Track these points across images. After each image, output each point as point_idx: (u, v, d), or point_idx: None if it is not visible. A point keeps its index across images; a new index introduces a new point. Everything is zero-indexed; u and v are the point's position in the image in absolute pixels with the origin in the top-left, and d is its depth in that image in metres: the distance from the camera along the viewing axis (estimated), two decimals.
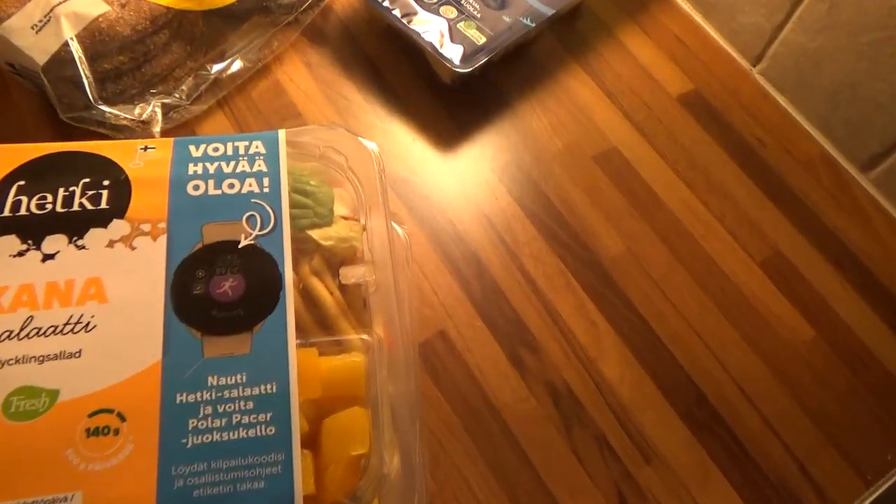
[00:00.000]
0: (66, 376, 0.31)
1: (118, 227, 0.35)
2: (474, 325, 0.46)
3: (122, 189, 0.37)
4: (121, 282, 0.34)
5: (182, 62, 0.51)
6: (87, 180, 0.37)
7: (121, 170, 0.37)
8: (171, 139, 0.39)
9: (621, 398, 0.45)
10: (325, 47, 0.57)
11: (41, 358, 0.32)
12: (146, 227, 0.35)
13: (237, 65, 0.53)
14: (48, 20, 0.45)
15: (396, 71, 0.56)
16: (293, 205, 0.37)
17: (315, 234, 0.38)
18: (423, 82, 0.56)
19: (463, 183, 0.52)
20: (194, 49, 0.51)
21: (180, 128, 0.50)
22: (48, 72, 0.45)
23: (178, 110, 0.50)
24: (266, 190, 0.37)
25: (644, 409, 0.45)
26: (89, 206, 0.36)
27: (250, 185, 0.37)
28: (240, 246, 0.35)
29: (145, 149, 0.39)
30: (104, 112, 0.46)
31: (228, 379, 0.32)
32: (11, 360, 0.32)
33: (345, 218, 0.40)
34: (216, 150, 0.39)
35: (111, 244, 0.35)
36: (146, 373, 0.32)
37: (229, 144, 0.39)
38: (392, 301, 0.36)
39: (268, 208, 0.37)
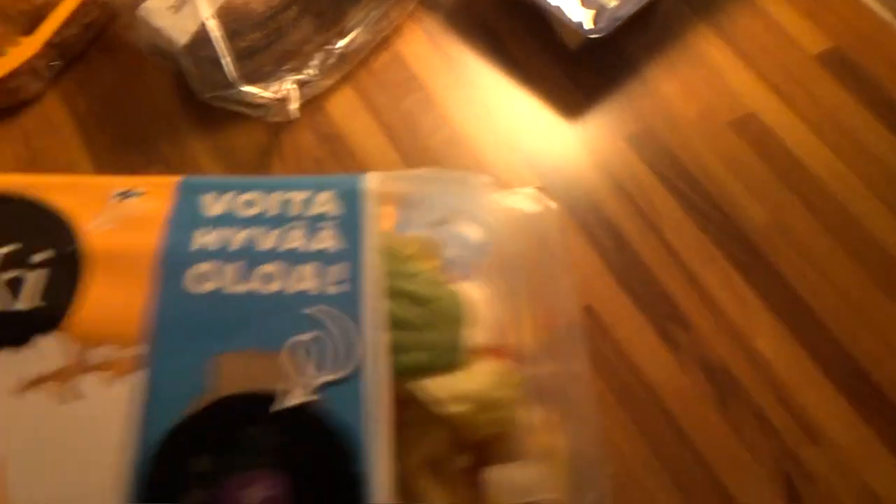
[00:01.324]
0: None
1: (48, 349, 0.20)
2: (618, 300, 0.44)
3: (63, 272, 0.21)
4: (40, 475, 0.18)
5: (310, 38, 0.51)
6: (9, 248, 0.21)
7: (67, 233, 0.22)
8: (173, 180, 0.24)
9: (778, 375, 0.43)
10: (442, 16, 0.55)
11: None
12: (103, 355, 0.19)
13: (360, 38, 0.52)
14: (184, 1, 0.45)
15: (517, 38, 0.54)
16: (391, 323, 0.21)
17: (431, 386, 0.21)
18: (544, 50, 0.54)
19: (594, 152, 0.50)
20: (321, 24, 0.51)
21: (309, 103, 0.49)
22: (188, 52, 0.45)
23: (307, 86, 0.49)
24: (334, 288, 0.21)
25: (803, 386, 0.42)
26: None
27: (304, 279, 0.21)
28: (280, 408, 0.19)
29: (125, 195, 0.23)
30: (244, 91, 0.46)
31: None
32: None
33: (488, 352, 0.23)
34: (250, 204, 0.23)
35: (33, 384, 0.19)
36: None
37: (276, 195, 0.23)
38: None
39: (336, 328, 0.20)
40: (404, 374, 0.21)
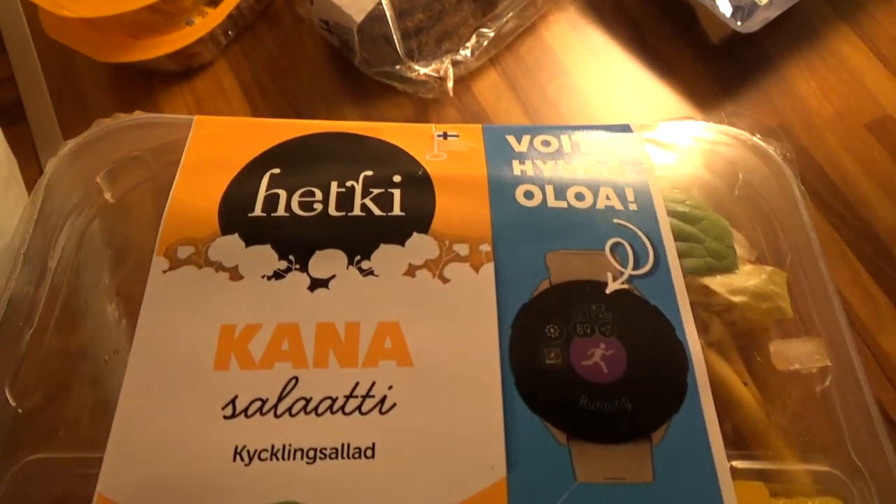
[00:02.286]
0: (352, 493, 0.21)
1: (420, 245, 0.25)
2: None
3: (420, 190, 0.27)
4: (430, 333, 0.23)
5: (467, 20, 0.53)
6: (368, 173, 0.27)
7: (415, 162, 0.27)
8: (479, 126, 0.30)
9: None
10: (586, 5, 0.56)
11: (312, 453, 0.21)
12: (462, 250, 0.25)
13: (510, 24, 0.55)
14: None
15: (658, 30, 0.55)
16: (674, 235, 0.26)
17: (714, 283, 0.26)
18: (686, 42, 0.54)
19: None
20: (477, 8, 0.54)
21: (458, 82, 0.51)
22: (361, 29, 0.46)
23: (458, 66, 0.52)
24: (633, 207, 0.26)
25: None
26: (376, 212, 0.26)
27: (608, 199, 0.27)
28: (608, 291, 0.24)
29: (444, 136, 0.29)
30: (410, 67, 0.47)
31: None
32: (264, 450, 0.22)
33: (750, 262, 0.28)
34: (547, 143, 0.29)
35: (411, 271, 0.25)
36: (481, 500, 0.21)
37: (565, 137, 0.29)
38: (869, 409, 0.24)
39: (640, 235, 0.26)
40: (689, 273, 0.26)
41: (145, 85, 0.50)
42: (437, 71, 0.50)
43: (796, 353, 0.25)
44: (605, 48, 0.55)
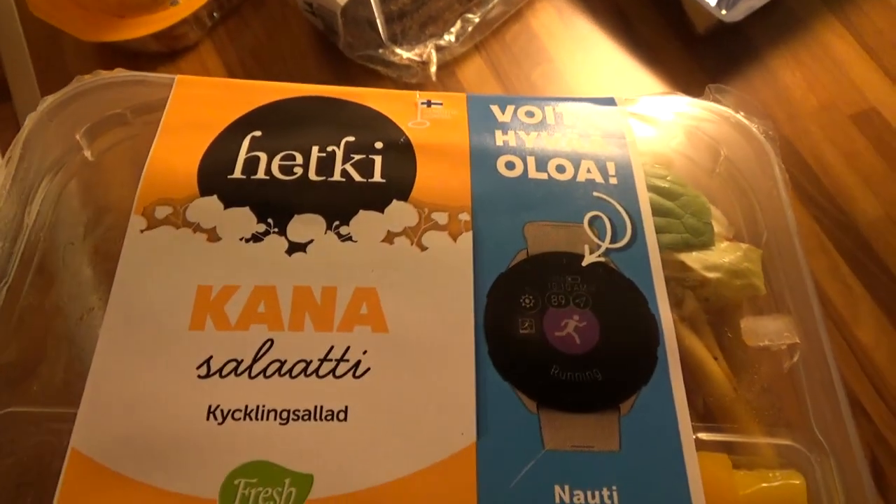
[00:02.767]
0: (324, 454, 0.21)
1: (400, 212, 0.25)
2: None
3: (401, 157, 0.27)
4: (406, 300, 0.24)
5: (451, 5, 0.52)
6: (350, 139, 0.27)
7: (397, 129, 0.27)
8: (463, 94, 0.30)
9: (876, 364, 0.44)
10: None
11: (285, 414, 0.22)
12: (441, 218, 0.25)
13: (496, 10, 0.54)
14: None
15: (645, 18, 0.55)
16: (652, 210, 0.27)
17: (690, 259, 0.26)
18: (672, 32, 0.54)
19: None
20: None
21: (442, 68, 0.50)
22: (345, 12, 0.45)
23: (442, 52, 0.50)
24: (613, 181, 0.27)
25: None
26: (357, 178, 0.26)
27: (588, 172, 0.27)
28: (584, 263, 0.25)
29: (428, 104, 0.29)
30: (393, 52, 0.47)
31: (589, 497, 0.21)
32: (237, 410, 0.22)
33: (727, 238, 0.29)
34: (530, 114, 0.29)
35: (389, 238, 0.25)
36: (451, 464, 0.21)
37: (549, 109, 0.29)
38: (835, 386, 0.25)
39: (619, 209, 0.26)
40: (666, 248, 0.27)
41: (130, 66, 0.49)
42: (421, 55, 0.50)
43: (766, 330, 0.26)
44: (592, 36, 0.55)
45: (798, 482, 0.23)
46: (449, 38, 0.51)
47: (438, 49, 0.50)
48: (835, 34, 0.56)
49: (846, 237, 0.48)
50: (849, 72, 0.55)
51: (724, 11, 0.50)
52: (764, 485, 0.22)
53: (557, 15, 0.55)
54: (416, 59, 0.48)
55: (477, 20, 0.51)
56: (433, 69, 0.49)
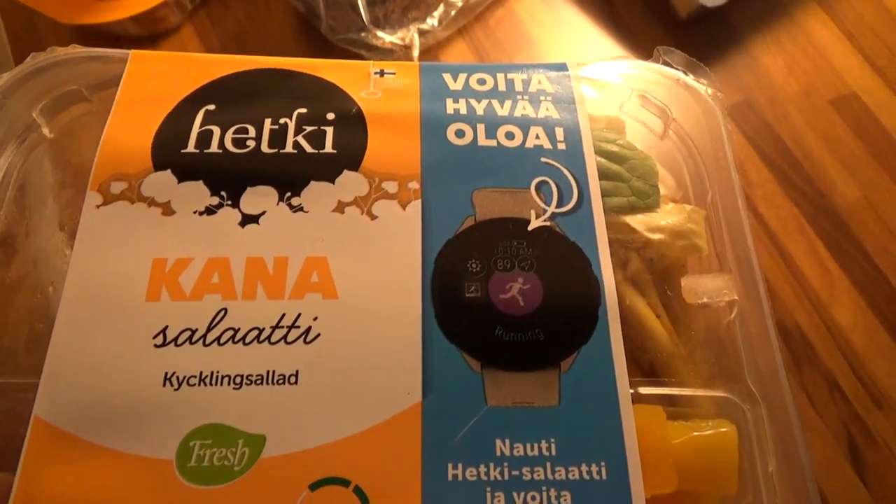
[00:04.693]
0: (275, 415, 0.22)
1: (350, 182, 0.26)
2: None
3: (353, 127, 0.27)
4: (355, 268, 0.24)
5: None
6: (302, 110, 0.28)
7: (349, 99, 0.28)
8: (417, 63, 0.30)
9: (853, 345, 0.45)
10: None
11: (238, 379, 0.23)
12: (391, 187, 0.26)
13: None
14: None
15: (628, 3, 0.56)
16: (600, 174, 0.27)
17: (635, 221, 0.27)
18: (655, 17, 0.55)
19: None
20: None
21: (425, 52, 0.51)
22: None
23: (426, 36, 0.50)
24: (561, 146, 0.27)
25: (876, 358, 0.45)
26: (308, 149, 0.27)
27: (537, 138, 0.27)
28: (530, 228, 0.25)
29: (381, 73, 0.29)
30: (375, 35, 0.47)
31: (528, 449, 0.22)
32: (192, 376, 0.23)
33: (674, 200, 0.30)
34: (482, 82, 0.29)
35: (340, 208, 0.25)
36: (397, 422, 0.22)
37: (500, 76, 0.29)
38: (770, 340, 0.26)
39: (566, 174, 0.26)
40: (612, 212, 0.28)
41: None
42: (403, 39, 0.50)
43: (706, 288, 0.27)
44: (575, 20, 0.55)
45: (728, 430, 0.24)
46: (432, 22, 0.51)
47: (421, 33, 0.50)
48: (816, 20, 0.57)
49: (825, 220, 0.49)
50: (829, 57, 0.55)
51: None
52: (695, 434, 0.23)
53: (541, 0, 0.55)
54: (399, 42, 0.49)
55: (460, 4, 0.51)
56: (416, 53, 0.49)
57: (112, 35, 0.49)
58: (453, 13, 0.51)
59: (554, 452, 0.22)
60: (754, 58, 0.55)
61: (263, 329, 0.23)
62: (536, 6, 0.56)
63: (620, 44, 0.55)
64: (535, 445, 0.22)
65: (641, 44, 0.55)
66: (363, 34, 0.48)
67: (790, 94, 0.54)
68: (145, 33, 0.50)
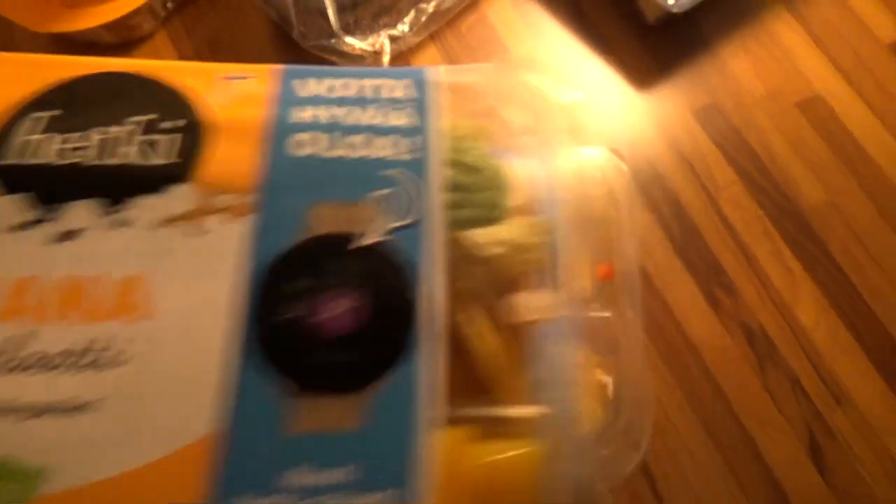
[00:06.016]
0: (66, 446, 0.20)
1: (180, 195, 0.24)
2: (672, 264, 0.46)
3: (188, 137, 0.25)
4: (176, 287, 0.23)
5: None
6: (138, 118, 0.26)
7: (188, 107, 0.26)
8: (273, 66, 0.28)
9: (816, 344, 0.45)
10: None
11: (39, 409, 0.21)
12: (224, 201, 0.24)
13: (449, 0, 0.53)
14: None
15: (598, 9, 0.55)
16: (448, 186, 0.26)
17: (478, 235, 0.26)
18: (624, 21, 0.55)
19: (662, 124, 0.51)
20: None
21: (397, 58, 0.50)
22: (297, 2, 0.46)
23: (397, 42, 0.50)
24: (406, 156, 0.26)
25: (838, 357, 0.44)
26: (137, 160, 0.25)
27: (383, 148, 0.26)
28: (361, 244, 0.24)
29: (231, 79, 0.27)
30: (344, 41, 0.46)
31: (325, 478, 0.21)
32: None
33: (522, 212, 0.28)
34: (336, 89, 0.27)
35: (167, 222, 0.24)
36: (183, 455, 0.21)
37: (359, 83, 0.28)
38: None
39: (408, 186, 0.25)
40: (458, 225, 0.26)
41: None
42: (374, 45, 0.49)
43: (536, 305, 0.26)
44: (546, 26, 0.55)
45: (529, 450, 0.23)
46: (403, 28, 0.50)
47: (393, 39, 0.50)
48: (783, 23, 0.56)
49: (789, 222, 0.49)
50: (795, 60, 0.55)
51: (671, 1, 0.51)
52: (498, 456, 0.23)
53: (513, 6, 0.55)
54: (369, 49, 0.48)
55: (431, 10, 0.51)
56: (386, 59, 0.48)
57: (85, 42, 0.48)
58: (424, 19, 0.50)
59: (353, 479, 0.21)
60: (722, 60, 0.54)
61: (74, 353, 0.22)
62: (508, 12, 0.55)
63: (591, 48, 0.54)
64: (334, 473, 0.21)
65: (612, 48, 0.54)
66: (333, 41, 0.46)
67: (756, 96, 0.52)
68: (119, 40, 0.49)
